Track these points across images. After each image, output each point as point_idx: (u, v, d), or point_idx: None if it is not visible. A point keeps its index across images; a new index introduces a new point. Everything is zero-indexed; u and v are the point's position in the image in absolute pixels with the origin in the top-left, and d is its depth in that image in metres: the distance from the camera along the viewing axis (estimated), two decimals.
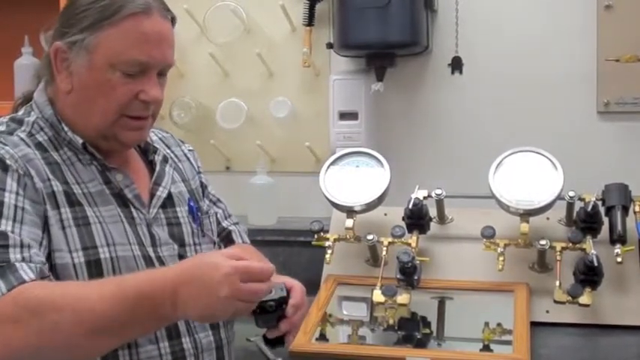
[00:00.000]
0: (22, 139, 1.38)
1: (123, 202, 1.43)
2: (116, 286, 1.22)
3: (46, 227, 1.32)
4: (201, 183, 1.65)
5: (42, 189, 1.33)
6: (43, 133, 1.41)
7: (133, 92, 1.38)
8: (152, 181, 1.50)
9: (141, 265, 1.39)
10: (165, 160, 1.55)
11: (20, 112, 1.46)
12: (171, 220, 1.50)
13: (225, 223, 1.69)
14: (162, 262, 1.43)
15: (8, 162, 1.32)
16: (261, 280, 1.21)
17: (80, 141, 1.40)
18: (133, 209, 1.43)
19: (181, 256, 1.47)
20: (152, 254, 1.42)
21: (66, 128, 1.41)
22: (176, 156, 1.61)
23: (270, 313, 1.35)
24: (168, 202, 1.51)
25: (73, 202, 1.36)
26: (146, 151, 1.55)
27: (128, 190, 1.44)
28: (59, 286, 1.27)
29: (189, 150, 1.68)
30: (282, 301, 1.36)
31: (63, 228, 1.34)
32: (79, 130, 1.41)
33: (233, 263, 1.19)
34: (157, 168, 1.52)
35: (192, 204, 1.54)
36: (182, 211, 1.52)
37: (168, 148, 1.61)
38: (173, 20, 1.46)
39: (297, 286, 1.43)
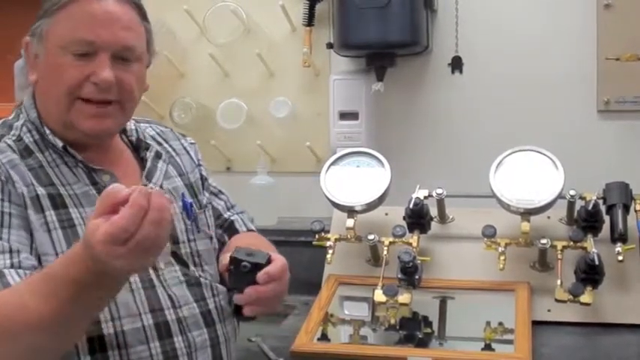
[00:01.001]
0: (9, 145, 1.38)
1: None
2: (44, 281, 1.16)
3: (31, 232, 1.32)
4: (201, 175, 1.63)
5: (25, 194, 1.33)
6: (30, 136, 1.41)
7: (83, 74, 1.35)
8: (143, 178, 1.48)
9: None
10: (157, 155, 1.54)
11: (11, 116, 1.47)
12: None
13: (227, 214, 1.67)
14: None
15: None
16: (134, 224, 1.07)
17: (60, 144, 1.40)
18: None
19: (174, 254, 1.46)
20: None
21: (47, 131, 1.41)
22: (174, 150, 1.60)
23: (243, 274, 1.32)
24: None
25: (57, 204, 1.35)
26: (138, 148, 1.54)
27: None
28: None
29: (191, 143, 1.67)
30: (258, 267, 1.32)
31: (48, 231, 1.33)
32: (49, 124, 1.40)
33: (98, 235, 1.07)
34: (148, 165, 1.51)
35: (186, 199, 1.52)
36: (175, 208, 1.50)
37: (166, 142, 1.60)
38: (138, 7, 1.43)
39: (279, 260, 1.37)
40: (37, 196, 1.34)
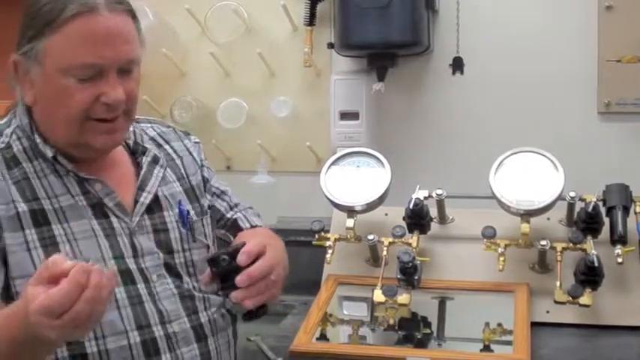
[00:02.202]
0: None
1: (102, 212, 1.39)
2: None
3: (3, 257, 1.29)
4: (203, 177, 1.60)
5: (2, 214, 1.30)
6: (19, 143, 1.38)
7: (93, 96, 1.31)
8: (136, 187, 1.44)
9: (117, 281, 1.34)
10: (154, 160, 1.50)
11: (3, 121, 1.43)
12: (158, 226, 1.45)
13: (229, 214, 1.65)
14: (143, 274, 1.39)
15: None
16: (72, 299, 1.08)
17: (50, 154, 1.36)
18: (114, 219, 1.39)
19: (167, 265, 1.43)
20: (133, 266, 1.39)
21: (38, 140, 1.37)
22: (175, 151, 1.56)
23: (226, 270, 1.27)
24: (155, 206, 1.45)
25: (39, 221, 1.33)
26: (135, 152, 1.50)
27: (109, 199, 1.39)
28: None
29: (195, 142, 1.63)
30: (233, 253, 1.28)
31: (28, 250, 1.31)
32: (52, 141, 1.37)
33: (34, 305, 1.08)
34: (143, 171, 1.46)
35: (182, 207, 1.48)
36: (171, 216, 1.47)
37: (167, 143, 1.56)
38: (131, 12, 1.37)
39: (267, 257, 1.33)
40: (17, 213, 1.31)
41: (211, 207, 1.60)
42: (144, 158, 1.48)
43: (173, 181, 1.51)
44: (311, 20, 2.39)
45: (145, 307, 1.37)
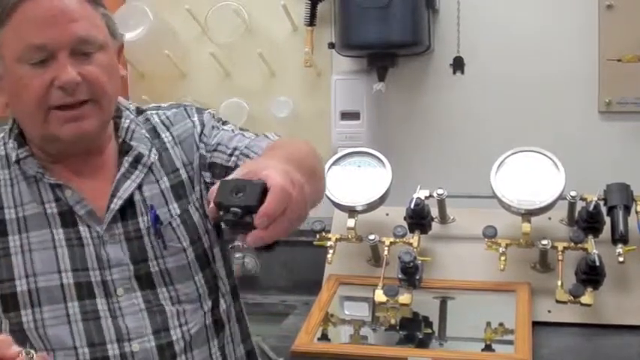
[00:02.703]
0: None
1: (72, 220, 1.32)
2: None
3: None
4: (201, 155, 1.43)
5: None
6: (3, 149, 1.36)
7: (46, 82, 1.25)
8: (109, 193, 1.34)
9: (72, 295, 1.29)
10: (137, 159, 1.37)
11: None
12: (131, 234, 1.34)
13: (230, 163, 1.40)
14: (106, 287, 1.31)
15: None
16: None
17: (14, 158, 1.33)
18: (83, 228, 1.32)
19: (139, 277, 1.33)
20: (96, 279, 1.31)
21: (11, 144, 1.34)
22: (173, 138, 1.42)
23: (236, 222, 1.09)
24: (130, 211, 1.35)
25: None
26: (122, 152, 1.39)
27: (79, 207, 1.32)
28: None
29: (209, 112, 1.46)
30: (250, 210, 1.08)
31: None
32: (30, 140, 1.33)
33: None
34: (117, 175, 1.35)
35: (153, 211, 1.36)
36: (145, 221, 1.36)
37: (168, 129, 1.43)
38: None
39: (275, 187, 1.08)
40: None
41: (211, 165, 1.43)
42: (125, 159, 1.37)
43: (159, 178, 1.39)
44: (311, 20, 2.39)
45: (101, 323, 1.30)
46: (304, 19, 2.39)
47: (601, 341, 1.82)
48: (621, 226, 1.87)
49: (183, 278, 1.37)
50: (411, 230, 2.01)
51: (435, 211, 2.06)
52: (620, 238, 1.87)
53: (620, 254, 1.85)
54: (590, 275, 1.82)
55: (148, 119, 1.44)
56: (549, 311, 1.90)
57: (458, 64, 2.34)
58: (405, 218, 2.01)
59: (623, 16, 2.20)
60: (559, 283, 1.85)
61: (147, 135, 1.41)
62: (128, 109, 1.44)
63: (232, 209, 1.08)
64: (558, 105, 2.28)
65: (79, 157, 1.34)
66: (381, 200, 2.04)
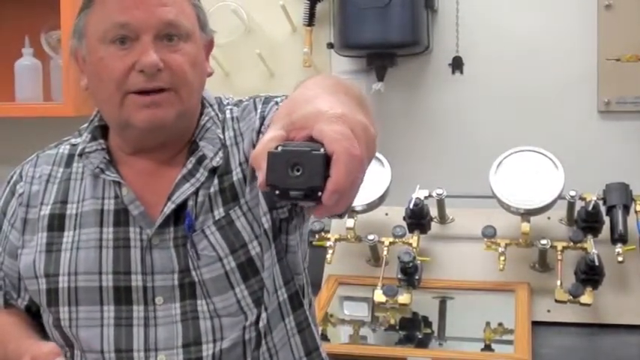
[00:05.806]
0: (57, 153, 1.36)
1: (126, 220, 1.28)
2: None
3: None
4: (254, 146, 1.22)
5: (25, 217, 1.33)
6: (83, 142, 1.35)
7: (127, 65, 1.22)
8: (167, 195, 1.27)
9: (109, 299, 1.26)
10: (199, 161, 1.29)
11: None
12: (179, 240, 1.26)
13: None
14: (146, 294, 1.26)
15: (19, 187, 1.34)
16: None
17: (78, 151, 1.33)
18: (133, 229, 1.27)
19: (181, 287, 1.25)
20: (137, 283, 1.26)
21: (85, 136, 1.33)
22: (235, 137, 1.31)
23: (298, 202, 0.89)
24: (183, 216, 1.27)
25: (53, 226, 1.30)
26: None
27: (133, 207, 1.27)
28: None
29: (275, 103, 1.31)
30: (315, 190, 0.87)
31: (34, 253, 1.30)
32: (113, 130, 1.31)
33: None
34: (177, 178, 1.28)
35: (190, 218, 1.26)
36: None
37: (232, 127, 1.33)
38: None
39: (341, 156, 0.88)
40: (39, 217, 1.31)
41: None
42: (189, 159, 1.29)
43: (213, 182, 1.29)
44: (310, 20, 2.39)
45: (133, 331, 1.26)
46: (303, 20, 2.39)
47: (600, 341, 1.82)
48: (620, 226, 1.88)
49: (219, 290, 1.25)
50: (411, 230, 2.01)
51: (434, 211, 2.07)
52: (619, 237, 1.87)
53: (619, 254, 1.85)
54: (590, 275, 1.82)
55: (225, 115, 1.36)
56: (549, 311, 1.91)
57: (457, 64, 2.34)
58: (404, 218, 2.01)
59: (622, 15, 2.20)
60: (558, 282, 1.85)
61: (220, 135, 1.32)
62: (212, 105, 1.37)
63: (292, 193, 0.87)
64: (557, 105, 2.28)
65: (156, 151, 1.30)
66: (381, 200, 2.04)
